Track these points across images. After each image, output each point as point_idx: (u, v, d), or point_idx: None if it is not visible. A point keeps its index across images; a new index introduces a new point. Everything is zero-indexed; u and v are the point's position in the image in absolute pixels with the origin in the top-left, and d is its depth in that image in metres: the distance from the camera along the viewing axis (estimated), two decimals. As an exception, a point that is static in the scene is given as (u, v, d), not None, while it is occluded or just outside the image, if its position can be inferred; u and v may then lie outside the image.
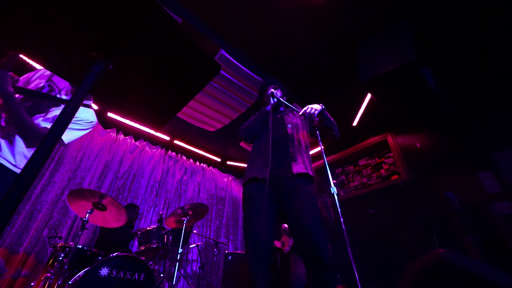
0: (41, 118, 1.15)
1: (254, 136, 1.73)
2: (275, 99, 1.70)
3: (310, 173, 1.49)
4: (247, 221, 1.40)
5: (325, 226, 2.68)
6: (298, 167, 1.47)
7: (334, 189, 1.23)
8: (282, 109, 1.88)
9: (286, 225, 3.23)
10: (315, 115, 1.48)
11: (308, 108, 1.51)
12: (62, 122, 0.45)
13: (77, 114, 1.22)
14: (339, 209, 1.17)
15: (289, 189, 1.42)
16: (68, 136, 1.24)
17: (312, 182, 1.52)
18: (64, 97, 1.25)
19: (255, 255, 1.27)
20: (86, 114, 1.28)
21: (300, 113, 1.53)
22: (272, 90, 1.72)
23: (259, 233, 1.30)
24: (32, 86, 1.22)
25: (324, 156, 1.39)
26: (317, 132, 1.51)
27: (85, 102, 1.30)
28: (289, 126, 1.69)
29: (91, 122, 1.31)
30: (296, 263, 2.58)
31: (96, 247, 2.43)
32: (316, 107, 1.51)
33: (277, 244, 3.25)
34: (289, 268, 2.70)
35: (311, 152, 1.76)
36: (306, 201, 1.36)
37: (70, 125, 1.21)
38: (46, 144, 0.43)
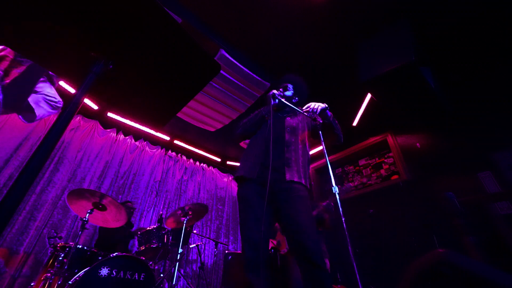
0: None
1: (249, 135, 1.70)
2: (276, 101, 1.62)
3: (303, 182, 1.45)
4: (244, 224, 1.38)
5: (325, 229, 2.69)
6: (291, 174, 1.44)
7: (335, 188, 1.23)
8: (287, 109, 1.80)
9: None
10: (318, 111, 1.47)
11: (311, 104, 1.50)
12: (63, 122, 0.45)
13: (48, 90, 1.25)
14: (340, 209, 1.16)
15: (284, 192, 1.40)
16: (40, 111, 1.26)
17: (307, 189, 1.48)
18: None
19: (252, 259, 1.26)
20: (53, 92, 1.31)
21: (303, 109, 1.51)
22: (274, 91, 1.64)
23: (256, 236, 1.29)
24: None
25: (327, 156, 1.36)
26: (319, 132, 1.49)
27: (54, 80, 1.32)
28: (288, 129, 1.62)
29: (57, 101, 1.33)
30: (294, 266, 2.58)
31: (96, 247, 2.43)
32: (320, 104, 1.51)
33: (273, 242, 3.23)
34: (288, 271, 2.69)
35: (313, 152, 1.73)
36: (299, 204, 1.36)
37: (43, 104, 1.24)
38: (47, 143, 0.43)
